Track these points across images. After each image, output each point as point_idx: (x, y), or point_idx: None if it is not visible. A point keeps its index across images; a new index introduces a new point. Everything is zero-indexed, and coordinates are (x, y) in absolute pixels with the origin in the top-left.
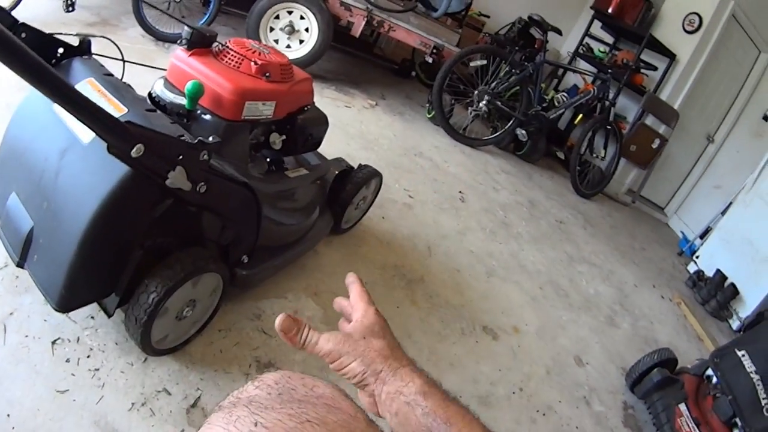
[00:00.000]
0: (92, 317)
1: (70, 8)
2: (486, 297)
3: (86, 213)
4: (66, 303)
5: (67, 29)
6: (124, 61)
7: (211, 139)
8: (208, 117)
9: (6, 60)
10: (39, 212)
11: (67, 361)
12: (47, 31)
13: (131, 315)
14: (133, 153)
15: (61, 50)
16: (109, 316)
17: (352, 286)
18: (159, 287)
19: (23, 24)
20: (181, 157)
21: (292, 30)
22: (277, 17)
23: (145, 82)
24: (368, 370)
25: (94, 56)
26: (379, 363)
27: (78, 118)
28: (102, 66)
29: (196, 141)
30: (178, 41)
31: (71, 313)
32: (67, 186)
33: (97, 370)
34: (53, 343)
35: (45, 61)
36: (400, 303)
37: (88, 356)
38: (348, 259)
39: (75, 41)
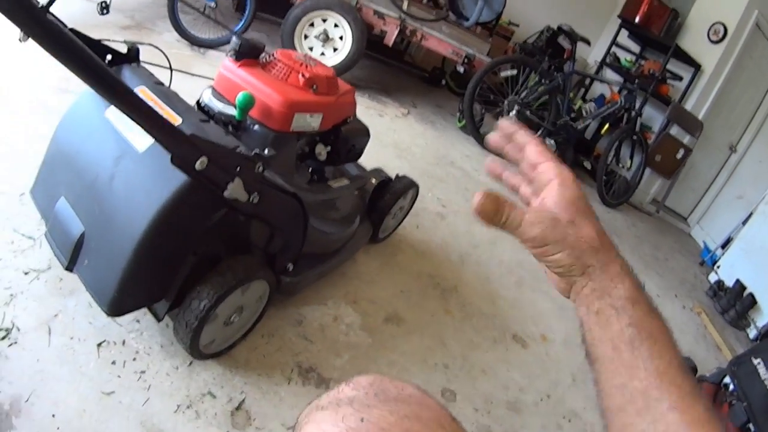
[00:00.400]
0: (137, 320)
1: (105, 11)
2: (516, 306)
3: (143, 220)
4: (118, 307)
5: (102, 32)
6: (171, 70)
7: (266, 151)
8: (257, 128)
9: (75, 66)
10: (91, 217)
11: (113, 363)
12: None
13: (182, 320)
14: (197, 165)
15: (109, 57)
16: (159, 320)
17: (519, 135)
18: (211, 294)
19: (72, 29)
20: (238, 168)
21: (326, 38)
22: (312, 25)
23: (186, 89)
24: (576, 263)
25: (142, 64)
26: (588, 256)
27: (144, 128)
28: (152, 74)
29: (253, 153)
30: (227, 52)
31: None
32: (123, 192)
33: (143, 372)
34: (99, 345)
35: None
36: (435, 311)
37: (134, 359)
38: (385, 267)
39: (122, 48)
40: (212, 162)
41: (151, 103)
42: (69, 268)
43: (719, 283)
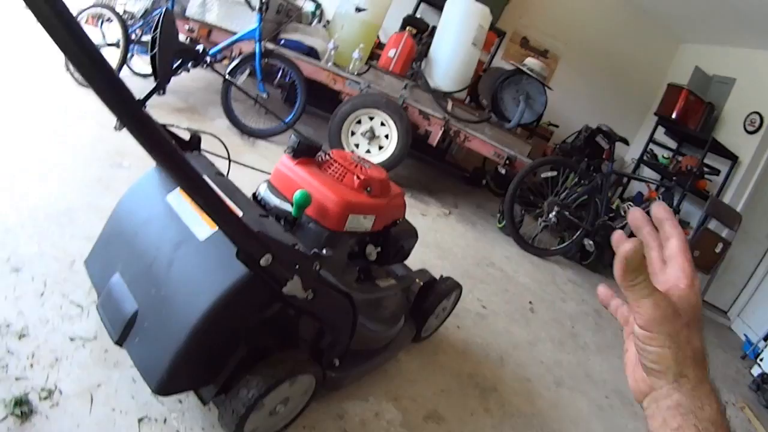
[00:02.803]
0: (180, 401)
1: (162, 92)
2: (555, 406)
3: (200, 307)
4: (165, 387)
5: (156, 113)
6: (229, 161)
7: (324, 251)
8: (312, 225)
9: (161, 158)
10: (146, 297)
11: None
12: None
13: (228, 406)
14: (262, 262)
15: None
16: (205, 404)
17: (668, 224)
18: (261, 384)
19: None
20: (298, 266)
21: (372, 135)
22: (359, 122)
23: (236, 177)
24: (674, 367)
25: (203, 152)
26: (688, 366)
27: (215, 221)
28: (212, 164)
29: (312, 253)
30: (285, 149)
31: None
32: (181, 278)
33: None
34: (140, 420)
35: None
36: (474, 411)
37: None
38: (426, 366)
39: (186, 135)
40: (275, 259)
41: None
42: (119, 342)
43: (763, 376)
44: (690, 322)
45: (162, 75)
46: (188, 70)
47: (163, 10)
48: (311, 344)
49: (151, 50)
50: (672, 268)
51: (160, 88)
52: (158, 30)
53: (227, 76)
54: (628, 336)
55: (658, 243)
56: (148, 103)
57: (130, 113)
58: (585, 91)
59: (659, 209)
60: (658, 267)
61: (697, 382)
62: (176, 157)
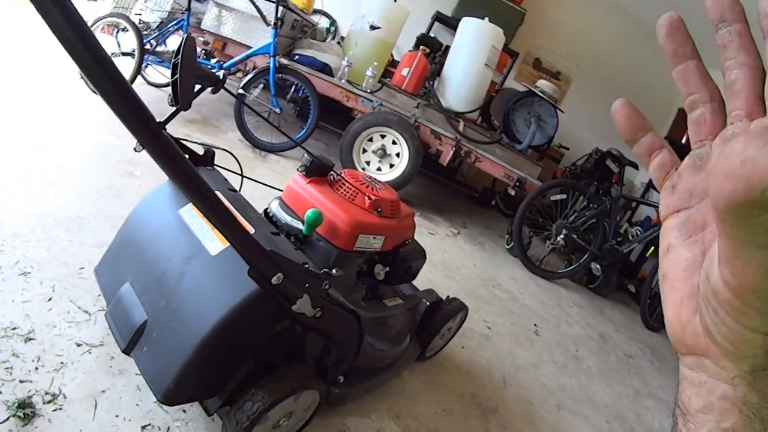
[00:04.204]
0: (184, 410)
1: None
2: (555, 429)
3: (209, 321)
4: (171, 397)
5: (171, 123)
6: (242, 177)
7: (334, 271)
8: (322, 244)
9: (178, 179)
10: (156, 308)
11: None
12: None
13: (233, 418)
14: (274, 281)
15: (186, 156)
16: (209, 415)
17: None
18: (266, 398)
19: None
20: (307, 285)
21: (383, 153)
22: (371, 140)
23: (247, 192)
24: (761, 358)
25: (216, 168)
26: None
27: (229, 239)
28: (226, 180)
29: (322, 272)
30: (298, 167)
31: None
32: (191, 291)
33: None
34: (143, 428)
35: None
36: (475, 431)
37: None
38: (429, 385)
39: (200, 149)
40: (286, 277)
41: None
42: (126, 351)
43: None
44: None
45: (183, 99)
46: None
47: (185, 36)
48: (317, 360)
49: (172, 76)
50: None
51: (180, 111)
52: (180, 56)
53: (241, 90)
54: (667, 200)
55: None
56: (165, 113)
57: (150, 136)
58: (596, 114)
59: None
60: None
61: None
62: (193, 178)
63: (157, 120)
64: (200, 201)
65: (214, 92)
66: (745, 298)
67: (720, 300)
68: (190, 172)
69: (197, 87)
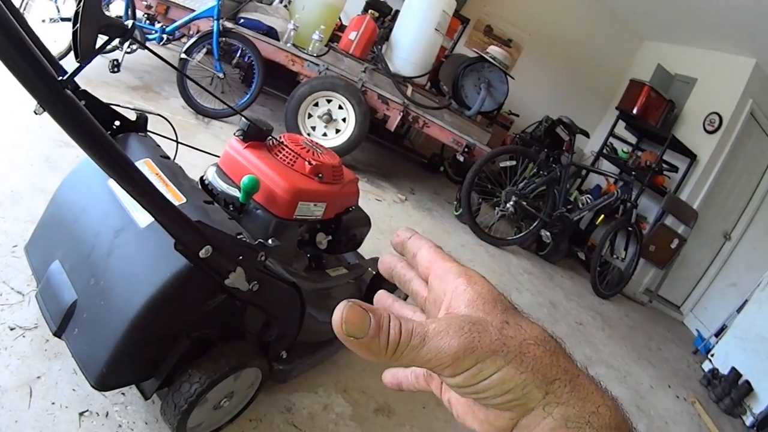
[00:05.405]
0: (123, 393)
1: (116, 69)
2: None
3: (139, 298)
4: (105, 381)
5: (110, 90)
6: (177, 143)
7: (270, 241)
8: (260, 212)
9: (78, 137)
10: (85, 287)
11: None
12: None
13: (171, 401)
14: (202, 254)
15: (117, 123)
16: (146, 398)
17: (409, 243)
18: (203, 378)
19: (84, 91)
20: (241, 257)
21: (329, 119)
22: (317, 104)
23: (187, 160)
24: (533, 380)
25: (149, 134)
26: (551, 366)
27: (150, 212)
28: (158, 146)
29: (256, 243)
30: (235, 132)
31: None
32: (120, 268)
33: None
34: (81, 414)
35: None
36: (426, 403)
37: None
38: None
39: (132, 115)
40: (216, 250)
41: (155, 179)
42: (57, 334)
43: (713, 372)
44: (506, 316)
45: (84, 53)
46: (121, 48)
47: None
48: (258, 336)
49: (73, 25)
50: (435, 278)
51: (83, 66)
52: (81, 2)
53: (183, 54)
54: (433, 384)
55: (414, 271)
56: (106, 80)
57: (49, 94)
58: (547, 82)
59: (394, 239)
60: (423, 291)
61: (573, 378)
62: (102, 142)
63: (59, 78)
64: (110, 167)
65: (121, 43)
66: (460, 367)
67: (462, 384)
68: (97, 135)
69: (104, 39)
